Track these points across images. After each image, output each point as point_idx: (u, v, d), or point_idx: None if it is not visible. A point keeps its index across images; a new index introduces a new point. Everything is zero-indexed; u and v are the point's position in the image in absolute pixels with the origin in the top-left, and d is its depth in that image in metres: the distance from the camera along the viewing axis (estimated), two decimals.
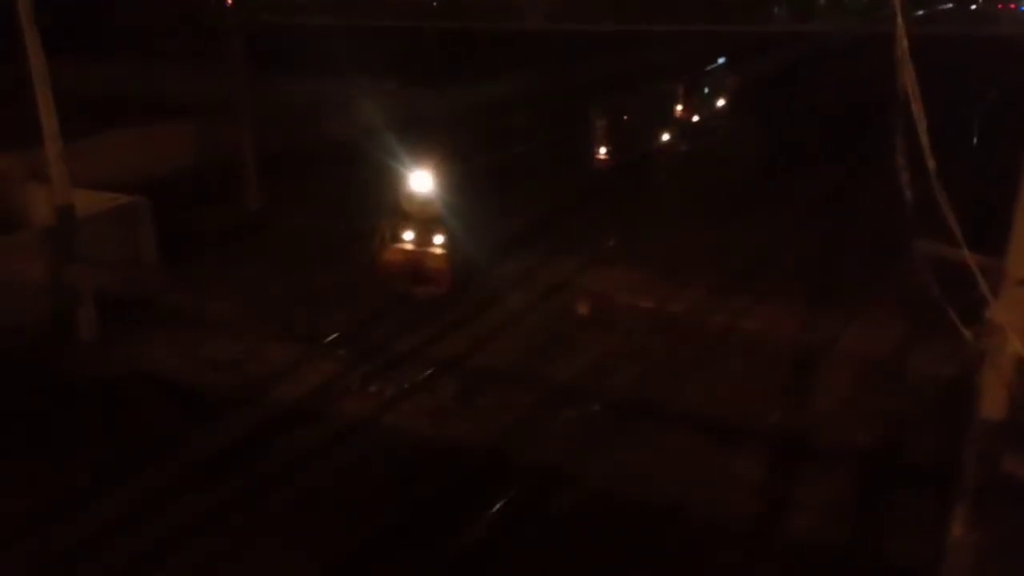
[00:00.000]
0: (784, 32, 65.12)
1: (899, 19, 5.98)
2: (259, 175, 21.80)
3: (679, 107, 30.39)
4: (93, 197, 16.08)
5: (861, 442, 12.11)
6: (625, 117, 26.63)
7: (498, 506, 10.70)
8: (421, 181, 15.88)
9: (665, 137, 29.49)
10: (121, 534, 10.08)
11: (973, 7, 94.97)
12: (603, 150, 25.54)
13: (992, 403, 6.86)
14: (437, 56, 44.72)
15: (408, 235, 15.97)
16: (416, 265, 15.89)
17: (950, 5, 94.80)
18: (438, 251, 15.85)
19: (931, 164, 6.22)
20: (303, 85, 30.63)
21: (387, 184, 16.77)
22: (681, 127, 30.54)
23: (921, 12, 79.22)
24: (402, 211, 16.05)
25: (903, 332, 15.18)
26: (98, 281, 14.63)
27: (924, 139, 6.22)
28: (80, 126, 18.20)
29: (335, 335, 15.20)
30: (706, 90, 33.08)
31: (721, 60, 36.09)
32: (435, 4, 73.26)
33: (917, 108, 6.08)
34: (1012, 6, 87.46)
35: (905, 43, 6.11)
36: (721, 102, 34.54)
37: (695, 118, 31.49)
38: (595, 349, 14.86)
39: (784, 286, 17.64)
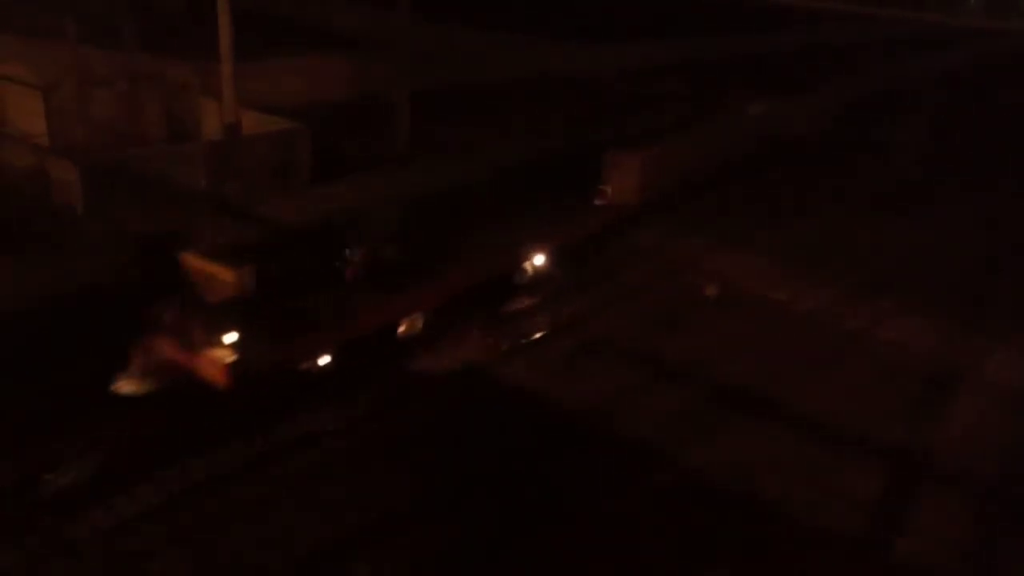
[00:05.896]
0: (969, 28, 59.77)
1: None
2: (410, 116, 22.25)
3: None
4: (259, 118, 17.04)
5: (987, 474, 11.42)
6: None
7: (589, 474, 10.82)
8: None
9: None
10: None
11: None
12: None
13: None
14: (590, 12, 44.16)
15: None
16: None
17: None
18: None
19: None
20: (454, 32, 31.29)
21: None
22: None
23: None
24: None
25: None
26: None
27: None
28: (252, 48, 19.24)
29: None
30: None
31: None
32: None
33: None
34: None
35: None
36: None
37: None
38: (711, 334, 14.58)
39: (932, 296, 16.68)
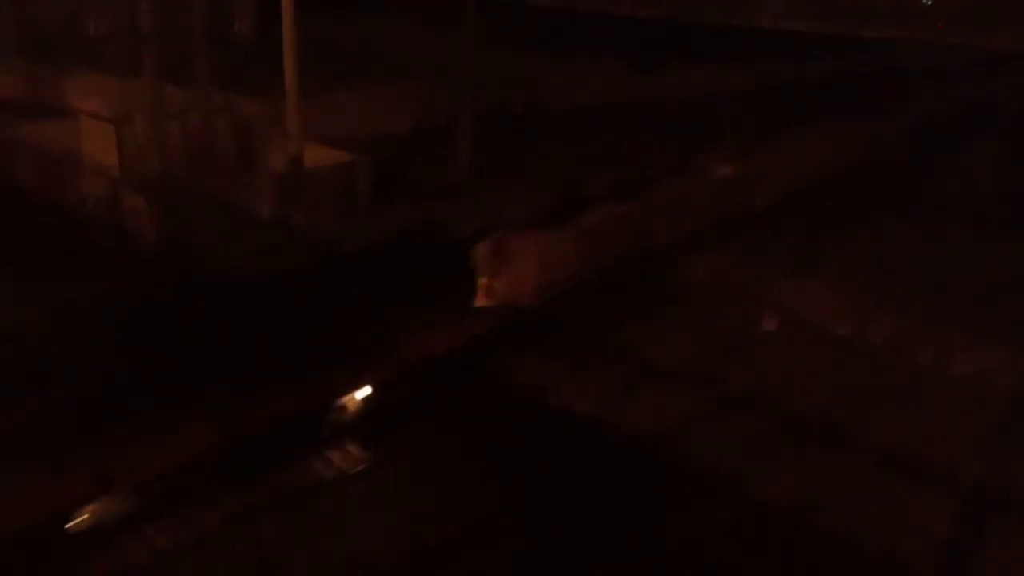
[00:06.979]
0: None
1: None
2: (470, 146, 22.34)
3: None
4: (321, 151, 17.51)
5: None
6: None
7: (652, 503, 10.58)
8: None
9: None
10: None
11: None
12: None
13: None
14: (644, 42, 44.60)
15: None
16: None
17: None
18: None
19: None
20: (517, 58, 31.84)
21: None
22: None
23: None
24: None
25: None
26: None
27: None
28: (322, 78, 19.82)
29: None
30: None
31: None
32: None
33: None
34: None
35: None
36: None
37: None
38: (775, 364, 14.16)
39: (1011, 326, 15.84)
